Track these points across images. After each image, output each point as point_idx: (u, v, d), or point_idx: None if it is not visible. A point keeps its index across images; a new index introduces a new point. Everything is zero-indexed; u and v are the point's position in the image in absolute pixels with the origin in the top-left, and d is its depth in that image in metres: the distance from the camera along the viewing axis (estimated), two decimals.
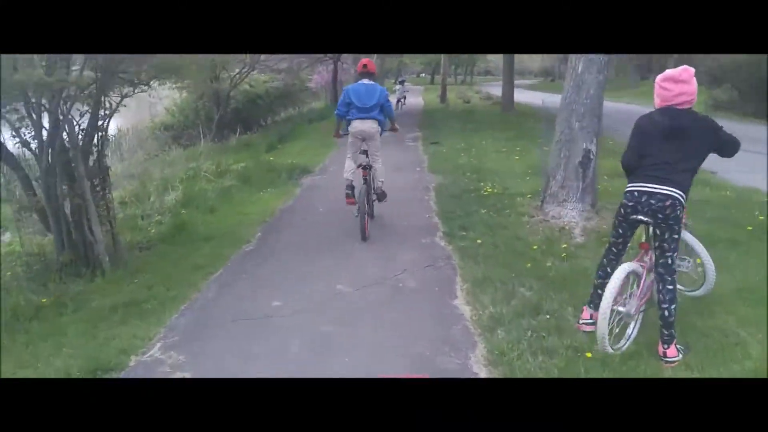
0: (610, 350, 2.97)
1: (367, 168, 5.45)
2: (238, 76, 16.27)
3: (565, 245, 4.72)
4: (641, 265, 3.15)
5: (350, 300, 3.92)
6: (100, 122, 5.39)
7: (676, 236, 2.96)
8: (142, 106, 22.39)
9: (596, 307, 3.26)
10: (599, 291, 3.25)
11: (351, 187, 5.49)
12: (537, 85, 56.31)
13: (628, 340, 3.13)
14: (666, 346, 2.94)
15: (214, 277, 4.52)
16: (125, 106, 5.80)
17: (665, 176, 2.90)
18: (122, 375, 2.98)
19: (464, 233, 5.23)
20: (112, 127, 18.92)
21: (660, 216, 2.90)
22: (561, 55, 56.90)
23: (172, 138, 18.79)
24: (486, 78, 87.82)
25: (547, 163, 5.96)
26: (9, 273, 5.17)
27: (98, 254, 5.01)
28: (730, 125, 3.37)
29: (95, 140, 5.35)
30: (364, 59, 5.57)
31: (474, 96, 26.70)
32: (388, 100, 5.52)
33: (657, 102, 3.01)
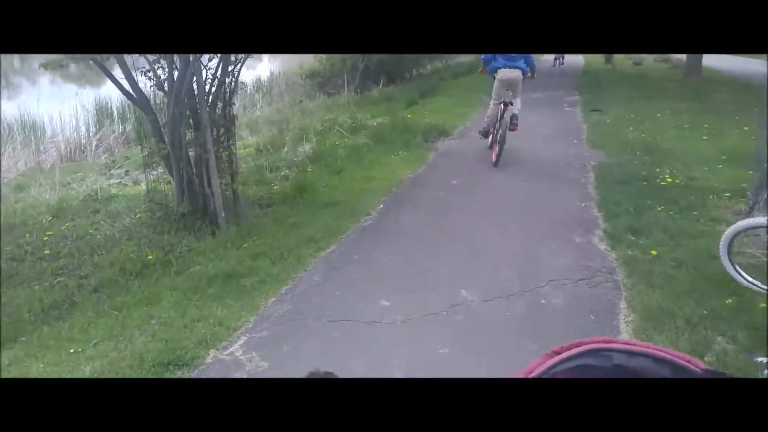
0: None
1: (508, 104, 6.06)
2: None
3: None
4: None
5: (476, 314, 3.12)
6: (230, 68, 5.06)
7: None
8: None
9: None
10: None
11: (489, 128, 6.64)
12: None
13: None
14: None
15: (324, 254, 3.98)
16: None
17: None
18: (195, 374, 2.55)
19: (633, 238, 4.07)
20: (265, 71, 19.64)
21: None
22: None
23: (318, 85, 19.01)
24: None
25: (763, 152, 4.46)
26: (138, 216, 5.17)
27: (215, 209, 4.77)
28: None
29: (224, 88, 5.05)
30: None
31: (647, 57, 23.24)
32: (530, 54, 6.12)
33: None
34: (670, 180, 5.45)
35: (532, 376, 0.80)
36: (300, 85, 19.58)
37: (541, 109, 9.81)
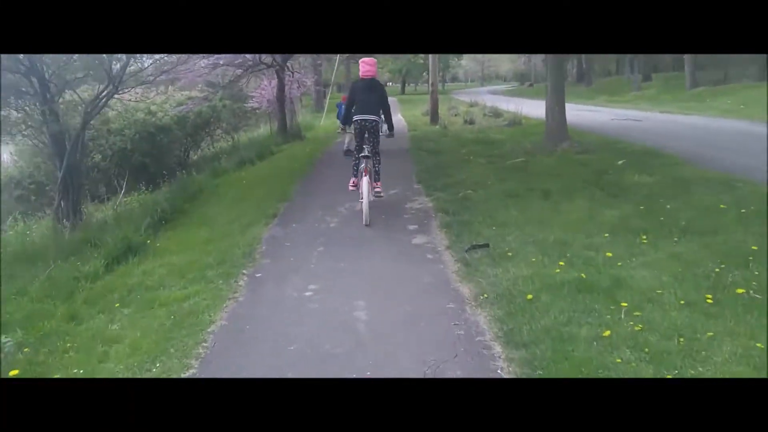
0: None
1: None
2: (98, 100, 9.11)
3: None
4: None
5: None
6: None
7: None
8: None
9: None
10: None
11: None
12: (515, 90, 49.85)
13: None
14: None
15: None
16: None
17: None
18: None
19: None
20: None
21: None
22: (533, 57, 50.06)
23: (26, 199, 12.21)
24: (457, 85, 77.94)
25: None
26: None
27: None
28: None
29: None
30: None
31: (474, 111, 20.20)
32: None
33: None
34: None
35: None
36: None
37: (372, 261, 4.74)
